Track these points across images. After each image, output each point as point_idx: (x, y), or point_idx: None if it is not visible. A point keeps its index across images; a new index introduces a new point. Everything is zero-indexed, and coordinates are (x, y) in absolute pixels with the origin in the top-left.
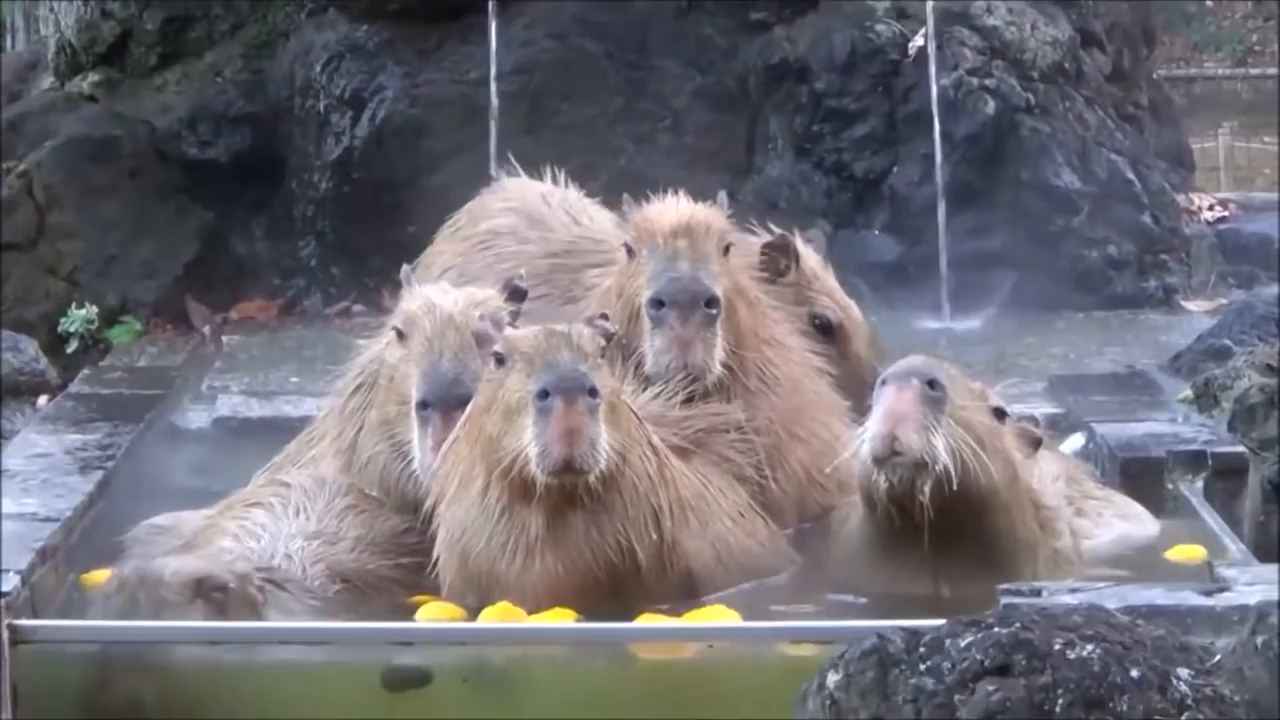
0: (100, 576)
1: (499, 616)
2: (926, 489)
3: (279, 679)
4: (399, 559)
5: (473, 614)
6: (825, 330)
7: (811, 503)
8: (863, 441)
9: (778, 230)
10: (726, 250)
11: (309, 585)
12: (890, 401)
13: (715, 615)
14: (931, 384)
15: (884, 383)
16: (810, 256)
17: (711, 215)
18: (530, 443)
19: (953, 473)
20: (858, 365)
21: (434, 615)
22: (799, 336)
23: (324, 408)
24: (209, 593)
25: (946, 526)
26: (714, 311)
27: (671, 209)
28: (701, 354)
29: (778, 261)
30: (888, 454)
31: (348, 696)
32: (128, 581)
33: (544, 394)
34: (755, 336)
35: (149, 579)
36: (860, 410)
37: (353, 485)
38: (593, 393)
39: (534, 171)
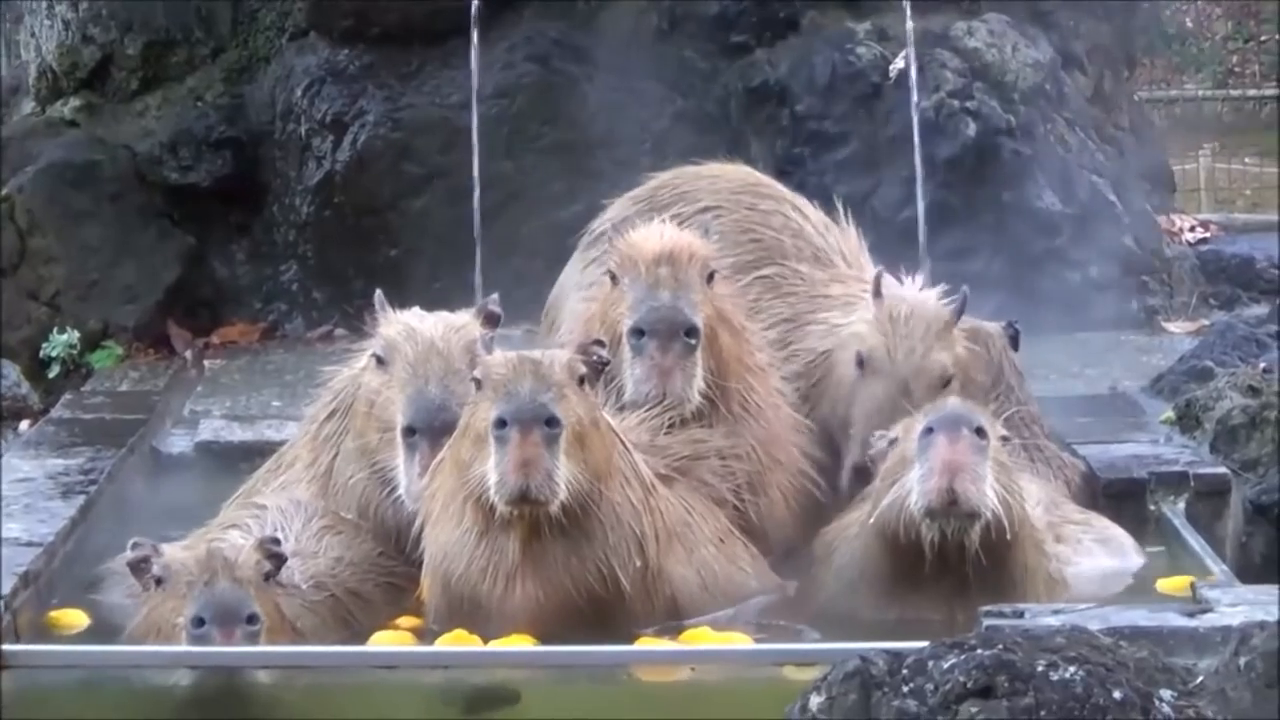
0: (69, 616)
1: (454, 644)
2: (976, 536)
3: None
4: (377, 580)
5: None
6: None
7: (791, 528)
8: (910, 492)
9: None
10: (710, 278)
11: (303, 589)
12: (944, 453)
13: (706, 639)
14: (979, 431)
15: (930, 430)
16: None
17: (695, 243)
18: (490, 471)
19: (1003, 520)
20: None
21: (385, 641)
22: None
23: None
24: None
25: (974, 562)
26: (693, 341)
27: (655, 237)
28: (681, 383)
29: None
30: (945, 506)
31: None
32: (214, 566)
33: (501, 423)
34: (739, 364)
35: (229, 561)
36: None
37: (328, 508)
38: (551, 422)
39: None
